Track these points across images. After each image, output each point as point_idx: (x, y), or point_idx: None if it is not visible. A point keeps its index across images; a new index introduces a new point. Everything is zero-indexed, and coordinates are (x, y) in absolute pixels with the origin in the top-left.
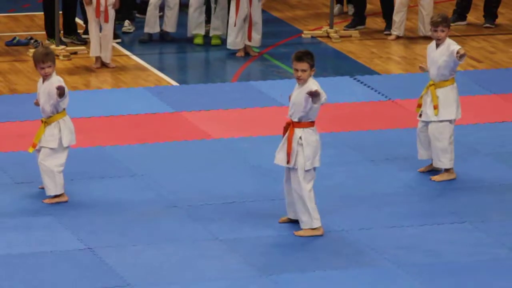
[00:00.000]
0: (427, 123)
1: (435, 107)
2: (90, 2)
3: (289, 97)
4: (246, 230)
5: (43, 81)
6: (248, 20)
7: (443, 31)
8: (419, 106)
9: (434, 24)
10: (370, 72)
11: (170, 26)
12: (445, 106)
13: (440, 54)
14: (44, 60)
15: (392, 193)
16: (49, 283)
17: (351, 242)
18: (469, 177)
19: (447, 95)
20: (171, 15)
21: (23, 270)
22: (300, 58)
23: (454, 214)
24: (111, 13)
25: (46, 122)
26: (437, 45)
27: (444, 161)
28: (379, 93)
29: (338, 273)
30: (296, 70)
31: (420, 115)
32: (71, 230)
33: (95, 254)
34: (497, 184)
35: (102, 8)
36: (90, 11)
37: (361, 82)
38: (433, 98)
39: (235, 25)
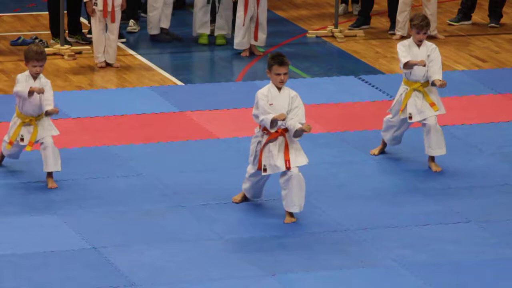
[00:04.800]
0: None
1: (433, 104)
2: (94, 12)
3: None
4: (250, 229)
5: (34, 80)
6: (255, 20)
7: (425, 33)
8: (402, 110)
9: (419, 27)
10: (375, 71)
11: (154, 28)
12: (438, 103)
13: (425, 54)
14: (38, 58)
15: (397, 193)
16: (54, 283)
17: (355, 241)
18: (473, 177)
19: (434, 91)
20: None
21: (28, 270)
22: (283, 62)
23: (459, 213)
24: (118, 14)
25: (36, 119)
26: (418, 46)
27: (444, 148)
28: (383, 92)
29: (343, 272)
30: (279, 74)
31: (410, 117)
32: (76, 230)
33: (100, 253)
34: (502, 184)
35: (109, 9)
36: (95, 16)
37: (366, 82)
38: (426, 97)
39: (243, 25)
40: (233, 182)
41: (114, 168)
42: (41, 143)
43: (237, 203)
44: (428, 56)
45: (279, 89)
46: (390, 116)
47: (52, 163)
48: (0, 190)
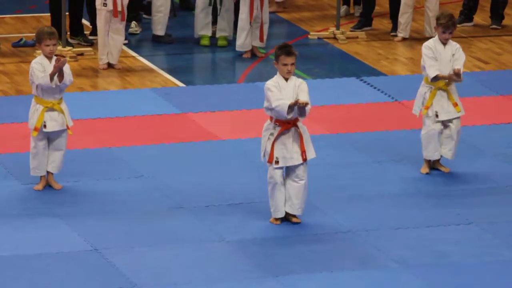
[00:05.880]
0: (445, 121)
1: (456, 105)
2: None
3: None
4: (252, 231)
5: (49, 61)
6: (259, 21)
7: (451, 33)
8: (427, 108)
9: (446, 27)
10: (377, 73)
11: (159, 29)
12: (459, 103)
13: (450, 54)
14: (51, 37)
15: (399, 194)
16: (56, 285)
17: (357, 243)
18: (475, 178)
19: (455, 91)
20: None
21: (30, 271)
22: (290, 52)
23: (461, 215)
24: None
25: (58, 102)
26: (443, 44)
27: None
28: (385, 94)
29: (345, 274)
30: (286, 64)
31: (437, 116)
32: (78, 231)
33: (102, 255)
34: (503, 185)
35: (119, 8)
36: (102, 17)
37: (368, 83)
38: (450, 97)
39: (250, 27)
40: (234, 184)
41: (116, 170)
42: (53, 141)
43: (278, 224)
44: (453, 55)
45: (287, 79)
46: (426, 125)
47: (57, 166)
48: (1, 191)
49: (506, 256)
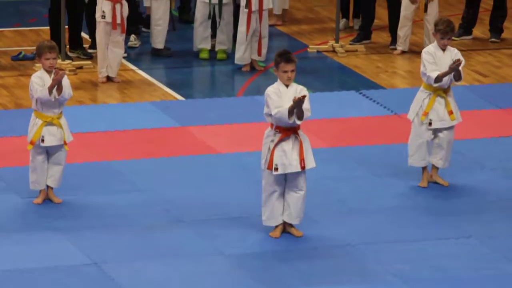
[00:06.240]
0: (436, 130)
1: (451, 113)
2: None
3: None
4: (251, 245)
5: (49, 75)
6: (257, 34)
7: (449, 39)
8: (425, 114)
9: (444, 33)
10: (376, 86)
11: (158, 42)
12: (456, 110)
13: (449, 60)
14: (50, 51)
15: (397, 208)
16: None
17: (356, 256)
18: (475, 192)
19: (453, 99)
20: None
21: (29, 286)
22: (290, 59)
23: (460, 228)
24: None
25: (58, 117)
26: (443, 50)
27: (449, 161)
28: (384, 107)
29: (344, 287)
30: (286, 71)
31: (430, 124)
32: (77, 245)
33: (101, 269)
34: (503, 199)
35: (118, 21)
36: (101, 30)
37: (367, 97)
38: (447, 104)
39: (246, 40)
40: (233, 197)
41: (115, 183)
42: (53, 155)
43: (277, 237)
44: (452, 60)
45: (287, 86)
46: (416, 132)
47: (56, 181)
48: (1, 205)
49: (505, 270)
